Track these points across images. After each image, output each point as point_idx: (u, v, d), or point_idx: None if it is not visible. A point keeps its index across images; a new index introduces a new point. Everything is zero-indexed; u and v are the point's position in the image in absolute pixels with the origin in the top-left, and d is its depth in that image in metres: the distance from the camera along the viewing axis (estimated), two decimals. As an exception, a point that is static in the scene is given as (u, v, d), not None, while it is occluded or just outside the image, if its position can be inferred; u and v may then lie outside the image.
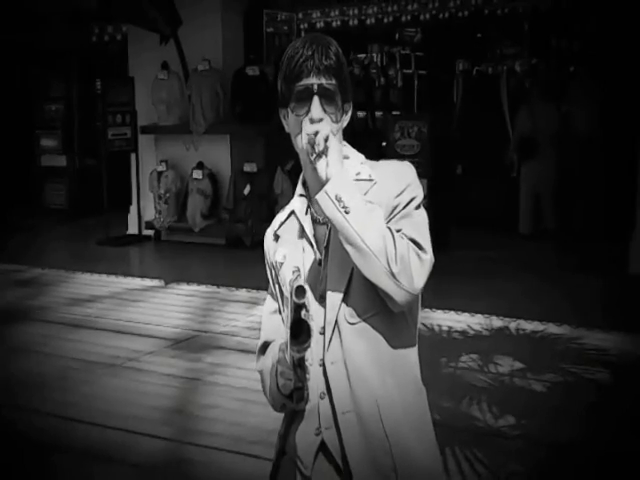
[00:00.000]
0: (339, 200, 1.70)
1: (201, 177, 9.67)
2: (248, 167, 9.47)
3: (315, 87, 1.81)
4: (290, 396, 1.81)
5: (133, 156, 10.27)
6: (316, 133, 1.75)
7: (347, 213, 1.70)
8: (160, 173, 9.89)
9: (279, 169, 9.44)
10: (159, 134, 10.11)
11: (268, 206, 9.33)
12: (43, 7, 11.28)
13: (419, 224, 1.82)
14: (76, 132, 12.31)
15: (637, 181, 7.94)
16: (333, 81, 1.83)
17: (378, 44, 13.78)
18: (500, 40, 12.21)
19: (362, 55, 13.65)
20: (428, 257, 1.76)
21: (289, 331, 1.65)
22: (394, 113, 11.79)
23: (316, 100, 1.82)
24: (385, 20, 11.08)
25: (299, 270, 1.68)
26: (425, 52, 13.32)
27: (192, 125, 9.68)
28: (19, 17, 11.52)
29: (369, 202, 1.75)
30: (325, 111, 1.82)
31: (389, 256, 1.70)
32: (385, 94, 13.08)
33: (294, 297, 1.62)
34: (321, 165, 1.74)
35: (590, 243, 8.62)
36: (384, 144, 9.66)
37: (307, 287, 1.64)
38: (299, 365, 1.74)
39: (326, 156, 1.74)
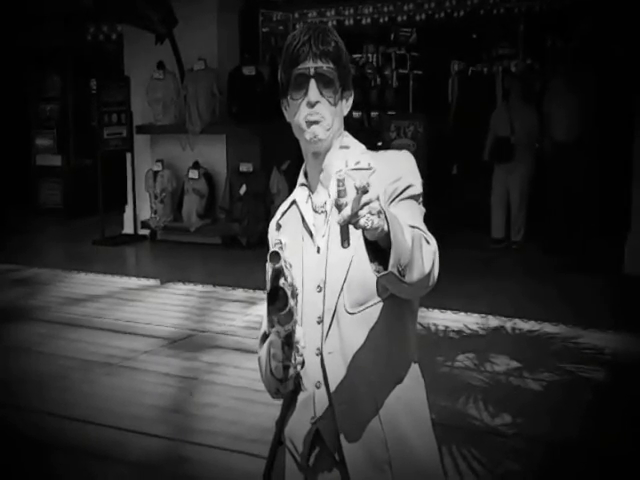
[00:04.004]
0: (400, 272, 1.58)
1: (197, 177, 9.67)
2: (244, 167, 9.47)
3: (312, 70, 1.81)
4: (282, 380, 1.83)
5: (129, 156, 10.26)
6: (365, 191, 1.47)
7: (403, 276, 1.59)
8: (156, 173, 9.89)
9: (275, 169, 9.44)
10: (155, 134, 10.10)
11: (264, 206, 9.34)
12: (38, 7, 11.26)
13: (420, 215, 1.81)
14: (71, 132, 12.29)
15: (631, 183, 7.98)
16: (331, 65, 1.82)
17: (374, 44, 13.83)
18: (495, 40, 12.26)
19: (358, 55, 13.70)
20: (436, 248, 1.71)
21: (266, 297, 1.67)
22: (390, 113, 11.83)
23: (313, 83, 1.81)
24: (381, 20, 11.09)
25: (281, 242, 1.68)
26: (420, 52, 13.37)
27: (188, 125, 9.68)
28: (14, 17, 11.50)
29: (405, 232, 1.59)
30: (322, 94, 1.82)
31: (428, 283, 1.68)
32: (381, 94, 13.11)
33: (269, 262, 1.64)
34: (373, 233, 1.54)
35: (586, 244, 8.60)
36: (380, 144, 9.68)
37: (283, 253, 1.63)
38: (287, 343, 1.76)
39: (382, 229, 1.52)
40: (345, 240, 1.50)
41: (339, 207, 1.47)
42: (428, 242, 1.69)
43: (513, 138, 8.99)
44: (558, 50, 11.47)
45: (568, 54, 10.60)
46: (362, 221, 1.48)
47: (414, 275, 1.60)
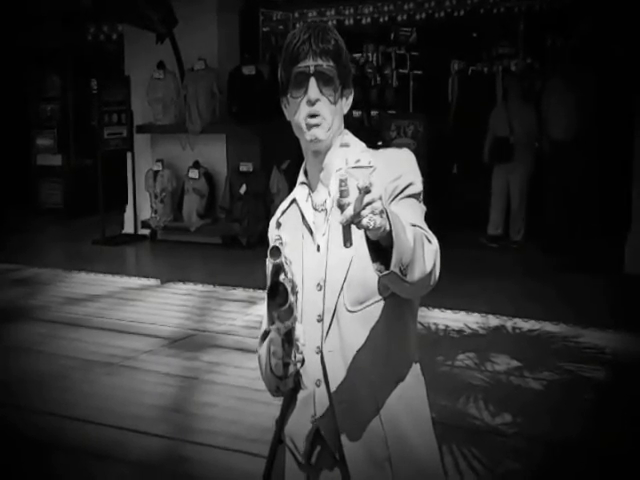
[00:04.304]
0: (402, 271, 1.57)
1: (197, 176, 9.67)
2: (244, 166, 9.48)
3: (312, 69, 1.80)
4: (282, 377, 1.83)
5: (129, 155, 10.27)
6: (367, 191, 1.46)
7: (405, 275, 1.58)
8: (156, 172, 9.89)
9: (275, 168, 9.45)
10: (155, 133, 10.11)
11: (264, 205, 9.34)
12: (38, 7, 11.26)
13: (421, 214, 1.81)
14: (72, 131, 12.30)
15: (631, 183, 7.97)
16: (331, 63, 1.82)
17: (374, 43, 13.82)
18: (495, 40, 12.24)
19: (358, 54, 13.69)
20: (437, 247, 1.70)
21: (266, 293, 1.67)
22: (390, 112, 11.82)
23: (313, 81, 1.81)
24: (381, 20, 11.08)
25: (281, 238, 1.68)
26: (420, 52, 13.35)
27: (188, 124, 9.69)
28: (14, 17, 11.49)
29: (407, 231, 1.59)
30: (322, 93, 1.82)
31: (429, 282, 1.68)
32: (381, 93, 13.10)
33: (269, 257, 1.64)
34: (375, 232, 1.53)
35: (586, 244, 8.58)
36: (380, 143, 9.67)
37: (283, 249, 1.63)
38: (287, 340, 1.76)
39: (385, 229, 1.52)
40: (347, 240, 1.50)
41: (341, 207, 1.47)
42: (430, 241, 1.68)
43: (512, 138, 8.98)
44: (558, 49, 11.46)
45: (568, 54, 10.59)
46: (364, 221, 1.47)
47: (415, 274, 1.60)
